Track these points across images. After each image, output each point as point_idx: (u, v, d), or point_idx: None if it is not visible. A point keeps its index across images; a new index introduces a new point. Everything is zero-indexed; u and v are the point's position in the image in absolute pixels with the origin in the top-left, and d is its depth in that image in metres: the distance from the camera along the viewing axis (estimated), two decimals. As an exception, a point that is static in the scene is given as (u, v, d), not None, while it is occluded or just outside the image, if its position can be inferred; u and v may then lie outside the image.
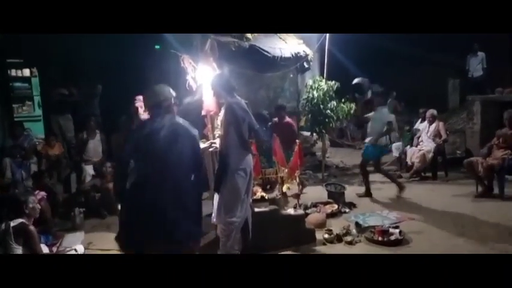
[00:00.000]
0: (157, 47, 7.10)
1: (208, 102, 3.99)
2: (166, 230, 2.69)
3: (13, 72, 7.14)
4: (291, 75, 7.72)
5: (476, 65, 9.52)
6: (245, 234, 3.64)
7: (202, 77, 3.95)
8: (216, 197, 3.55)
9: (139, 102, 4.63)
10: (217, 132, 3.71)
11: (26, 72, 7.38)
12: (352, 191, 5.82)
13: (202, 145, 3.99)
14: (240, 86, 3.89)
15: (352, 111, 6.77)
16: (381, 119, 5.58)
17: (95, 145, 5.82)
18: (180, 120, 2.86)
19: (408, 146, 7.14)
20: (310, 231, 4.08)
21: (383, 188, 6.19)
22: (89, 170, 5.64)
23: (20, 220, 3.30)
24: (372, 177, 5.94)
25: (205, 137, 4.25)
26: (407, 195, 5.70)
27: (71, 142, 6.50)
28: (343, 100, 6.73)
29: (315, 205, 4.99)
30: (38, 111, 7.44)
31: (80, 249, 3.71)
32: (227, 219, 3.44)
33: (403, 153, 7.19)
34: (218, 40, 4.39)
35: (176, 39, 5.80)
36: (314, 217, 4.50)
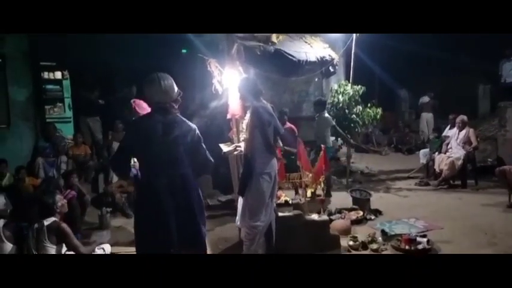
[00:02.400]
0: (184, 51, 7.20)
1: (234, 105, 4.01)
2: (169, 232, 2.57)
3: (45, 75, 7.40)
4: (316, 79, 7.68)
5: (509, 71, 9.18)
6: (269, 239, 3.63)
7: (228, 80, 3.97)
8: (241, 200, 3.56)
9: (138, 104, 4.72)
10: (243, 136, 3.72)
11: (58, 75, 7.63)
12: (378, 198, 5.71)
13: (227, 148, 4.02)
14: (265, 89, 3.88)
15: (378, 116, 6.66)
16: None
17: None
18: (178, 116, 2.67)
19: (436, 153, 6.94)
20: (334, 238, 4.02)
21: (409, 196, 6.04)
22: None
23: (53, 219, 3.39)
24: (399, 184, 5.82)
25: (230, 140, 4.29)
26: (435, 203, 5.54)
27: (99, 143, 6.66)
28: (369, 105, 6.63)
29: (339, 211, 4.92)
30: (69, 113, 7.67)
31: (107, 248, 3.79)
32: (251, 223, 3.43)
33: (431, 160, 7.00)
34: (244, 44, 4.42)
35: (202, 44, 5.88)
36: (339, 223, 4.43)
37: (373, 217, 4.95)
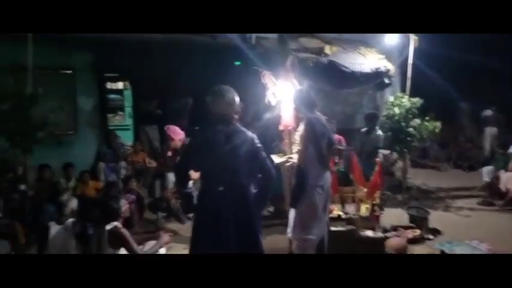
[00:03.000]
0: (237, 63, 7.36)
1: (287, 117, 4.03)
2: (227, 241, 2.59)
3: (108, 85, 7.91)
4: (370, 91, 7.48)
5: None
6: (320, 253, 3.56)
7: (282, 92, 4.00)
8: (292, 212, 3.54)
9: (171, 130, 4.84)
10: (295, 148, 3.71)
11: (120, 85, 8.13)
12: (436, 216, 5.40)
13: (279, 159, 4.03)
14: (317, 101, 3.85)
15: (437, 130, 6.33)
16: None
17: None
18: (238, 127, 2.71)
19: (502, 171, 6.45)
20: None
21: (471, 215, 5.66)
22: (172, 177, 5.96)
23: (115, 223, 3.57)
24: (459, 202, 5.47)
25: (282, 152, 4.29)
26: (500, 225, 5.13)
27: (157, 151, 6.95)
28: (427, 118, 6.33)
29: (394, 228, 4.71)
30: (129, 121, 8.13)
31: (162, 251, 3.91)
32: (303, 236, 3.39)
33: (496, 178, 6.51)
34: (297, 56, 4.44)
35: (256, 56, 5.97)
36: (394, 241, 4.24)
37: (431, 237, 4.68)
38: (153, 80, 7.34)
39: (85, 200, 4.61)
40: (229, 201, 2.58)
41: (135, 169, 6.27)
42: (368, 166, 4.76)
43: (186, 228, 5.17)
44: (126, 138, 7.39)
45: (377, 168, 4.28)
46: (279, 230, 4.84)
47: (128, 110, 8.20)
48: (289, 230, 3.61)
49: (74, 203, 3.66)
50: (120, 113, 8.26)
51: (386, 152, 6.78)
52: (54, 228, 3.49)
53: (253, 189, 2.71)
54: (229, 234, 2.58)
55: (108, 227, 3.51)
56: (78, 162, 5.87)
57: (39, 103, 4.43)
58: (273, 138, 5.86)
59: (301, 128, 3.51)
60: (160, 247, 3.83)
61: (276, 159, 4.02)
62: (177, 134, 4.74)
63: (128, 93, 8.22)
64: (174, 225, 5.34)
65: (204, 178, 2.69)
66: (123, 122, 8.15)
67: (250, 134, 2.71)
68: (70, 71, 6.47)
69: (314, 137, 3.40)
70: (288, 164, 3.78)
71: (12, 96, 4.27)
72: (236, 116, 2.73)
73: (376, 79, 6.46)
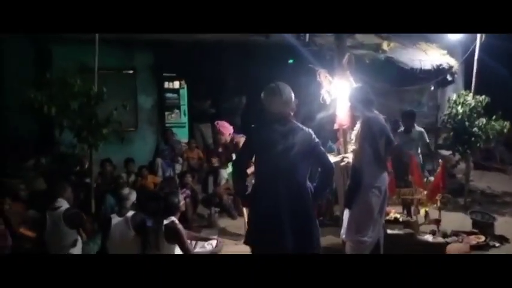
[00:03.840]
0: (290, 61, 7.33)
1: (342, 116, 3.94)
2: (283, 238, 2.57)
3: (166, 85, 8.24)
4: (431, 89, 7.09)
5: None
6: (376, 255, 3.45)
7: (338, 90, 3.91)
8: (347, 213, 3.46)
9: (222, 126, 4.86)
10: (351, 147, 3.62)
11: (176, 84, 8.45)
12: (503, 223, 5.01)
13: (333, 159, 3.95)
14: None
15: (505, 130, 5.86)
16: None
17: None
18: (295, 124, 2.67)
19: None
20: (450, 263, 3.64)
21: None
22: (225, 174, 6.08)
23: (172, 218, 3.71)
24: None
25: (336, 151, 4.21)
26: None
27: (210, 148, 7.13)
28: (494, 117, 5.88)
29: (456, 234, 4.44)
30: (184, 119, 8.43)
31: (214, 243, 4.01)
32: (358, 238, 3.31)
33: None
34: (353, 53, 4.32)
35: (310, 53, 5.91)
36: (456, 247, 4.00)
37: (497, 244, 4.35)
38: (207, 79, 7.54)
39: (144, 194, 4.84)
40: (285, 197, 2.57)
41: (190, 165, 6.48)
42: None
43: (237, 224, 5.26)
44: (182, 136, 7.67)
45: (439, 169, 4.05)
46: (329, 231, 4.78)
47: (184, 108, 8.50)
48: (343, 231, 3.53)
49: (134, 197, 3.85)
50: (176, 111, 8.59)
51: (448, 153, 6.41)
52: (115, 220, 3.70)
53: (309, 185, 2.68)
54: (284, 230, 2.56)
55: (165, 221, 3.66)
56: (137, 158, 6.19)
57: (104, 101, 4.70)
58: (326, 137, 5.81)
59: (358, 127, 3.41)
60: (213, 253, 3.92)
61: (330, 158, 3.95)
62: (227, 129, 4.80)
63: (183, 92, 8.51)
64: (225, 221, 5.45)
65: (259, 175, 2.69)
66: (178, 120, 8.46)
67: (307, 130, 2.66)
68: (131, 71, 6.83)
69: (371, 137, 3.30)
70: (342, 163, 3.70)
71: (80, 95, 4.57)
72: (292, 113, 2.69)
73: (438, 76, 6.14)
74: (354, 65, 3.93)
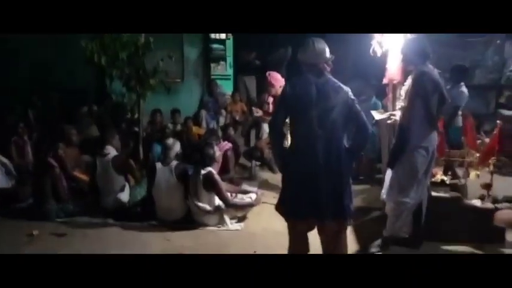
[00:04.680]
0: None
1: (393, 69, 3.69)
2: (316, 201, 2.52)
3: (212, 35, 8.12)
4: (498, 41, 6.39)
5: None
6: (417, 219, 3.34)
7: (390, 41, 3.63)
8: (389, 172, 3.33)
9: (273, 77, 4.67)
10: (400, 104, 3.41)
11: (223, 35, 8.28)
12: None
13: (379, 116, 3.78)
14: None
15: None
16: None
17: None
18: (329, 77, 2.60)
19: None
20: (498, 230, 3.46)
21: None
22: (266, 128, 6.05)
23: (209, 169, 3.82)
24: None
25: (384, 108, 4.00)
26: None
27: (254, 101, 7.09)
28: None
29: (509, 200, 4.15)
30: (229, 71, 8.34)
31: (254, 196, 4.09)
32: (399, 199, 3.20)
33: None
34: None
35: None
36: (506, 214, 3.75)
37: (556, 214, 4.03)
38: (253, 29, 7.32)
39: (187, 145, 4.98)
40: (321, 154, 2.50)
41: (233, 118, 6.52)
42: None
43: (278, 178, 5.29)
44: (226, 88, 7.65)
45: (496, 130, 3.73)
46: (369, 190, 4.69)
47: (229, 60, 8.38)
48: (384, 191, 3.43)
49: (178, 147, 3.97)
50: (222, 62, 8.48)
51: (509, 112, 5.89)
52: (160, 168, 3.87)
53: (346, 143, 2.59)
54: (319, 188, 2.52)
55: (203, 171, 3.78)
56: (183, 109, 6.32)
57: (151, 51, 4.76)
58: (372, 93, 5.53)
59: (409, 82, 3.19)
60: (251, 206, 4.00)
61: (376, 115, 3.78)
62: (278, 81, 4.70)
63: (229, 43, 8.35)
64: (266, 174, 5.50)
65: (295, 129, 2.64)
66: (224, 72, 8.37)
67: (343, 86, 2.58)
68: (178, 20, 6.77)
69: (424, 93, 3.08)
70: (389, 121, 3.52)
71: (129, 45, 4.65)
72: (328, 68, 2.61)
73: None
74: (409, 13, 3.59)
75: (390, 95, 3.78)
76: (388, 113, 3.58)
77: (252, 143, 6.35)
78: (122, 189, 4.08)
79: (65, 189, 4.02)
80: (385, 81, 3.79)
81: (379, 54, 3.78)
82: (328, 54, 2.61)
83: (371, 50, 3.80)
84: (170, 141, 3.98)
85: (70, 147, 4.62)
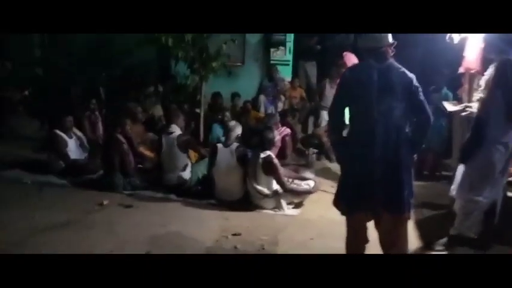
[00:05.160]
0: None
1: (471, 58, 3.44)
2: (374, 193, 2.43)
3: (273, 20, 8.07)
4: None
5: None
6: (489, 219, 3.11)
7: (471, 27, 3.37)
8: (461, 168, 3.13)
9: (349, 58, 4.45)
10: (477, 95, 3.17)
11: (283, 19, 8.20)
12: None
13: (452, 107, 3.55)
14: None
15: None
16: None
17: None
18: (394, 63, 2.44)
19: None
20: None
21: None
22: (325, 115, 5.94)
23: (268, 153, 3.83)
24: None
25: (458, 99, 3.75)
26: None
27: (313, 88, 6.98)
28: None
29: None
30: (289, 56, 8.25)
31: (311, 184, 4.05)
32: (471, 197, 3.00)
33: None
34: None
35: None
36: None
37: None
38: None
39: (246, 128, 5.02)
40: (381, 143, 2.39)
41: (291, 104, 6.47)
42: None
43: (335, 166, 5.19)
44: (285, 74, 7.58)
45: None
46: (435, 186, 4.45)
47: (289, 45, 8.27)
48: (453, 187, 3.24)
49: (239, 130, 4.02)
50: (282, 48, 8.40)
51: None
52: (221, 149, 3.95)
53: (408, 133, 2.47)
54: (378, 179, 2.42)
55: (262, 155, 3.80)
56: (242, 93, 6.37)
57: (216, 35, 4.82)
58: (443, 83, 5.19)
59: (490, 71, 2.95)
60: (309, 193, 3.96)
61: (450, 106, 3.56)
62: (353, 63, 4.51)
63: (290, 28, 8.26)
64: (323, 162, 5.43)
65: (354, 117, 2.53)
66: (283, 57, 8.30)
67: (408, 72, 2.42)
68: (240, 4, 6.79)
69: (506, 84, 2.84)
70: (464, 113, 3.29)
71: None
72: (391, 53, 2.46)
73: None
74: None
75: (466, 86, 3.55)
76: (463, 105, 3.37)
77: (310, 130, 6.29)
78: (185, 168, 4.23)
79: (131, 164, 4.24)
80: (461, 70, 3.56)
81: (456, 41, 3.53)
82: (390, 39, 2.46)
83: (447, 36, 3.56)
84: (232, 123, 4.05)
85: (136, 124, 4.86)
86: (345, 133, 2.61)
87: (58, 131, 4.57)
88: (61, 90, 6.04)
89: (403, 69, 2.43)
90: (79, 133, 4.81)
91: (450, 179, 3.55)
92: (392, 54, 2.47)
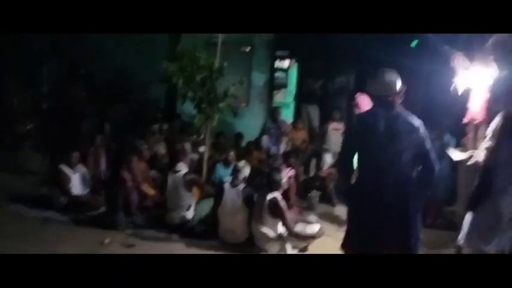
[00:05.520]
0: (414, 43, 6.73)
1: (476, 108, 3.52)
2: (383, 240, 2.44)
3: (276, 64, 8.31)
4: None
5: None
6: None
7: (475, 79, 3.49)
8: (469, 216, 3.12)
9: (362, 99, 4.55)
10: (484, 144, 3.22)
11: (286, 63, 8.45)
12: None
13: (459, 155, 3.59)
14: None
15: None
16: None
17: (337, 137, 6.11)
18: (401, 110, 2.50)
19: None
20: None
21: None
22: (328, 158, 5.99)
23: (275, 194, 3.80)
24: None
25: (461, 147, 3.80)
26: None
27: (315, 130, 7.07)
28: None
29: None
30: (289, 99, 8.44)
31: (317, 228, 3.97)
32: (480, 246, 2.97)
33: None
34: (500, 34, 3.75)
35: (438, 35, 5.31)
36: None
37: None
38: (320, 59, 7.37)
39: (253, 169, 5.01)
40: (389, 189, 2.41)
41: (294, 146, 6.51)
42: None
43: (337, 210, 5.14)
44: (285, 116, 7.70)
45: None
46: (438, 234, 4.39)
47: (290, 88, 8.49)
48: (461, 236, 3.20)
49: (247, 171, 4.02)
50: (283, 90, 8.62)
51: None
52: (228, 189, 3.92)
53: (415, 179, 2.49)
54: (385, 224, 2.43)
55: (269, 196, 3.77)
56: (246, 133, 6.43)
57: (224, 76, 4.94)
58: (446, 130, 5.27)
59: (497, 120, 3.01)
60: (314, 238, 3.90)
61: (456, 155, 3.60)
62: (366, 105, 4.56)
63: (292, 72, 8.48)
64: (325, 207, 5.34)
65: (363, 164, 2.56)
66: (283, 100, 8.49)
67: (416, 119, 2.48)
68: (249, 47, 7.03)
69: (513, 135, 2.88)
70: (470, 162, 3.32)
71: (204, 68, 4.86)
72: (399, 100, 2.52)
73: None
74: (500, 48, 3.41)
75: (471, 135, 3.60)
76: (469, 153, 3.40)
77: (312, 172, 6.29)
78: (188, 207, 4.19)
79: (135, 202, 4.19)
80: (465, 120, 3.63)
81: (460, 92, 3.63)
82: (399, 86, 2.52)
83: (451, 88, 3.67)
84: (241, 163, 4.05)
85: (140, 161, 4.85)
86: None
87: (63, 166, 4.55)
88: (68, 125, 6.06)
89: (412, 116, 2.48)
90: (83, 168, 4.79)
91: (454, 227, 3.52)
92: (400, 101, 2.53)
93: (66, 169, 4.57)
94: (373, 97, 2.58)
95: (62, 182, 4.49)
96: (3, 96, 6.53)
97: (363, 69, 6.68)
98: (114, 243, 3.73)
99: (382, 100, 2.49)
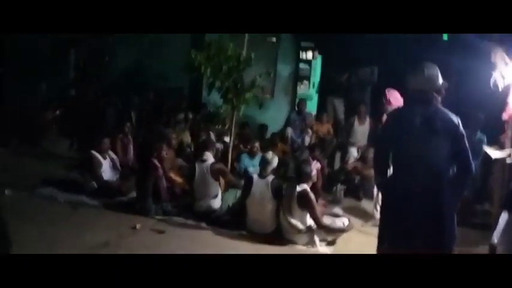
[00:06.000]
0: (445, 38, 6.56)
1: (515, 105, 3.43)
2: (417, 237, 2.40)
3: (300, 55, 8.23)
4: None
5: None
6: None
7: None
8: (505, 215, 3.06)
9: (392, 95, 4.46)
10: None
11: (310, 55, 8.34)
12: None
13: (496, 153, 3.52)
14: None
15: None
16: None
17: (363, 130, 6.05)
18: (440, 108, 2.42)
19: None
20: None
21: None
22: (353, 152, 5.93)
23: (305, 186, 3.79)
24: None
25: (500, 145, 3.72)
26: None
27: (341, 123, 6.99)
28: None
29: None
30: (312, 91, 8.36)
31: (346, 221, 3.96)
32: (516, 246, 2.92)
33: None
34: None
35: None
36: None
37: None
38: (344, 51, 7.23)
39: (282, 160, 4.99)
40: (424, 190, 2.37)
41: (318, 138, 6.47)
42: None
43: (363, 204, 5.11)
44: (311, 108, 7.64)
45: None
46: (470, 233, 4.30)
47: (313, 80, 8.40)
48: (495, 235, 3.14)
49: (275, 162, 4.01)
50: (306, 82, 8.54)
51: None
52: (256, 180, 3.92)
53: (451, 178, 2.42)
54: (418, 225, 2.39)
55: (298, 188, 3.76)
56: (270, 125, 6.42)
57: (251, 67, 4.92)
58: (477, 127, 5.14)
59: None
60: (342, 231, 3.89)
61: (493, 153, 3.53)
62: (397, 100, 4.45)
63: (316, 64, 8.39)
64: (350, 201, 5.31)
65: (397, 162, 2.51)
66: (306, 92, 8.43)
67: (454, 117, 2.39)
68: (275, 38, 6.97)
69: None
70: (509, 161, 3.25)
71: (232, 59, 4.85)
72: (438, 97, 2.44)
73: None
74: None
75: (509, 132, 3.52)
76: (508, 150, 3.33)
77: (336, 165, 6.24)
78: (216, 196, 4.21)
79: (165, 189, 4.24)
80: (504, 117, 3.54)
81: (500, 88, 3.54)
82: (440, 81, 2.44)
83: (491, 83, 3.57)
84: (269, 155, 4.04)
85: (168, 150, 4.89)
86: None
87: (95, 152, 4.63)
88: (95, 112, 6.16)
89: (450, 113, 2.41)
90: (113, 155, 4.86)
91: (485, 226, 3.46)
92: (441, 99, 2.46)
93: (97, 155, 4.64)
94: (409, 92, 2.51)
95: (94, 168, 4.57)
96: (32, 82, 6.66)
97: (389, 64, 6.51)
98: (144, 229, 3.78)
99: (421, 95, 2.42)
